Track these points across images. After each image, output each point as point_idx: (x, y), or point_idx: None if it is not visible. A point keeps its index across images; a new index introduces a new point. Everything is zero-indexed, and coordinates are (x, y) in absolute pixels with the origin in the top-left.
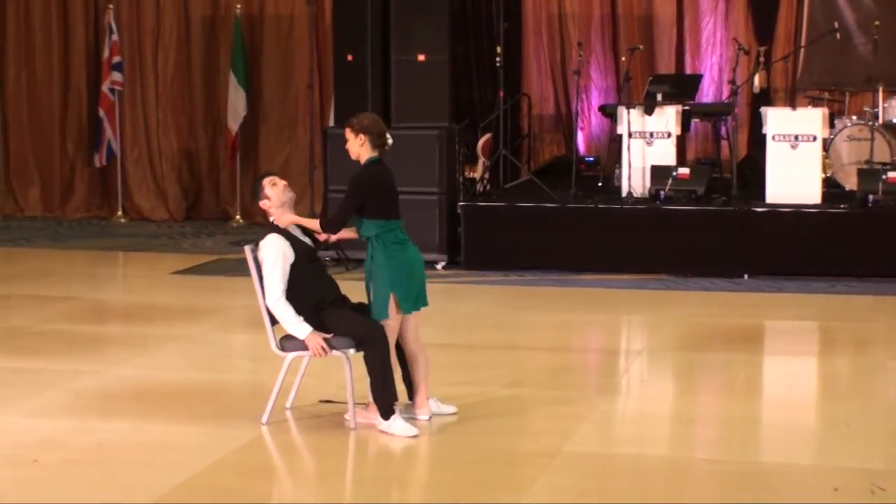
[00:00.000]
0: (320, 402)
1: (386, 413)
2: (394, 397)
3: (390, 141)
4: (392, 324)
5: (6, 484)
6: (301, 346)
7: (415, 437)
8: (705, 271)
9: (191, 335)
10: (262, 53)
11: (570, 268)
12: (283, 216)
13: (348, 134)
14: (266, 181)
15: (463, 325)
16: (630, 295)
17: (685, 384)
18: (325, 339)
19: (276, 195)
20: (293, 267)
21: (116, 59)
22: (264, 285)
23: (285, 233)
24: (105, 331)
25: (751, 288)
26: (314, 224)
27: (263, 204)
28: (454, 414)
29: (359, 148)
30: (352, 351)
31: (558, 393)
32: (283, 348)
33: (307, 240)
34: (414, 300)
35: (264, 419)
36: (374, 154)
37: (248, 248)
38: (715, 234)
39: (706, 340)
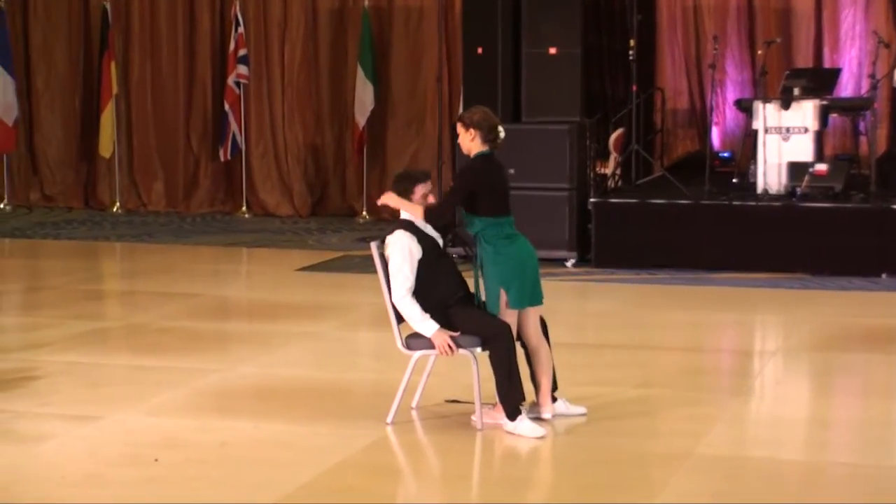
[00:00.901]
0: (446, 401)
1: (512, 413)
2: (520, 397)
3: (502, 135)
4: (508, 321)
5: (127, 483)
6: (427, 344)
7: (542, 437)
8: (843, 270)
9: (315, 333)
10: (391, 46)
11: (703, 266)
12: (388, 196)
13: (459, 128)
14: (419, 189)
15: (592, 324)
16: (765, 294)
17: (821, 386)
18: (452, 338)
19: (422, 200)
20: (421, 263)
21: (242, 51)
22: (391, 282)
23: (413, 228)
24: (228, 328)
25: (889, 287)
26: (418, 210)
27: (412, 198)
28: (583, 415)
29: (469, 142)
30: (479, 350)
31: (690, 394)
32: (409, 346)
33: (435, 235)
34: (528, 296)
35: (389, 419)
36: (485, 148)
37: (374, 245)
38: (853, 232)
39: (843, 341)
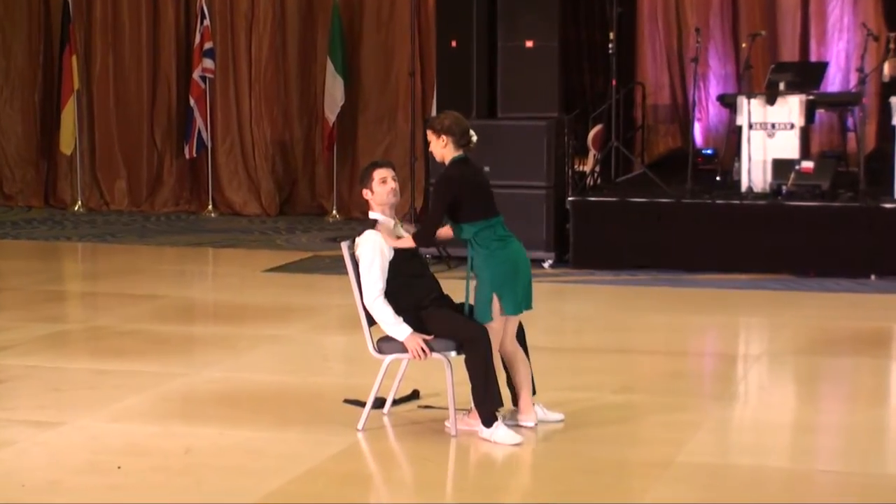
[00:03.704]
0: (419, 407)
1: (488, 420)
2: (497, 403)
3: (475, 139)
4: (496, 326)
5: (89, 491)
6: (400, 348)
7: (518, 444)
8: (830, 271)
9: (283, 336)
10: (362, 39)
11: (685, 267)
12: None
13: (430, 136)
14: (377, 173)
15: (571, 327)
16: (749, 296)
17: (807, 391)
18: (426, 342)
19: (381, 194)
20: (392, 264)
21: (208, 45)
22: (362, 284)
23: (384, 228)
24: (193, 331)
25: (878, 289)
26: (409, 243)
27: (366, 194)
28: (561, 421)
29: (442, 149)
30: (453, 354)
31: (672, 399)
32: (380, 350)
33: (406, 235)
34: (521, 302)
35: (360, 425)
36: (459, 153)
37: (344, 245)
38: (840, 231)
39: (830, 344)
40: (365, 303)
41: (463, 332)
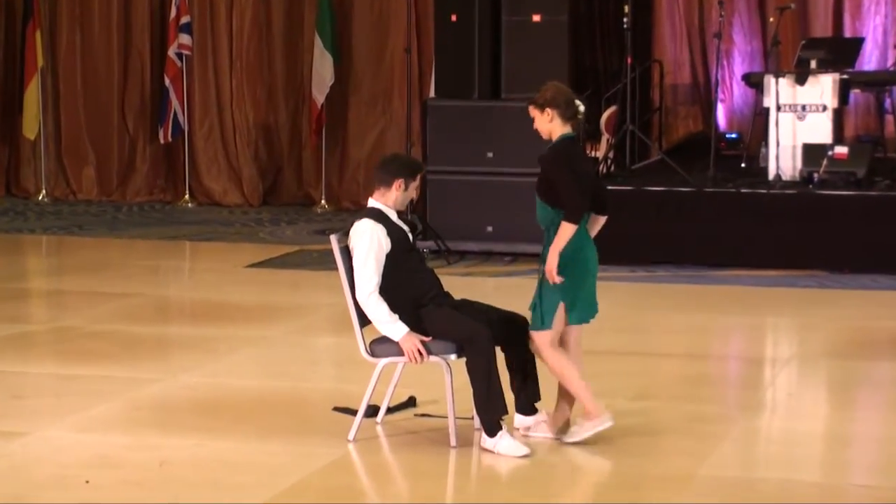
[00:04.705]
0: (416, 416)
1: (491, 429)
2: (500, 411)
3: (582, 109)
4: (553, 334)
5: None
6: (395, 350)
7: (525, 456)
8: (866, 267)
9: (267, 338)
10: (353, 13)
11: (707, 262)
12: (549, 258)
13: (533, 112)
14: (419, 179)
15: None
16: (777, 294)
17: (840, 398)
18: (423, 343)
19: (406, 197)
20: (389, 258)
21: (185, 19)
22: (355, 278)
23: (382, 217)
24: (169, 333)
25: None
26: (569, 231)
27: (399, 184)
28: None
29: (548, 125)
30: (453, 357)
31: (693, 407)
32: (373, 353)
33: (405, 226)
34: (586, 311)
35: (351, 435)
36: (568, 129)
37: (334, 238)
38: (877, 223)
39: (867, 347)
40: (358, 298)
41: (464, 333)
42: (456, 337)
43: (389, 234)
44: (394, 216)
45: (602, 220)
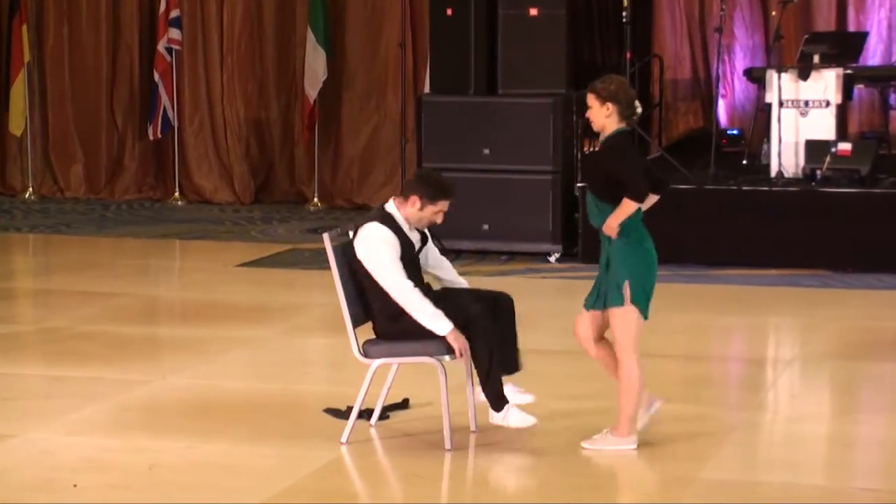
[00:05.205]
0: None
1: (497, 404)
2: (502, 377)
3: (639, 111)
4: (633, 315)
5: None
6: (387, 352)
7: (533, 426)
8: (870, 266)
9: (259, 338)
10: (346, 6)
11: (708, 261)
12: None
13: (592, 101)
14: (447, 204)
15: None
16: (779, 294)
17: (844, 400)
18: (427, 343)
19: (426, 218)
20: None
21: (174, 13)
22: (386, 280)
23: (393, 224)
24: (158, 333)
25: None
26: (631, 207)
27: (413, 202)
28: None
29: (605, 118)
30: (447, 358)
31: (693, 409)
32: (366, 354)
33: (416, 237)
34: (647, 298)
35: (344, 438)
36: (623, 125)
37: (327, 236)
38: (881, 221)
39: (871, 348)
40: (396, 292)
41: (461, 314)
42: (460, 321)
43: (400, 242)
44: (405, 226)
45: (655, 198)
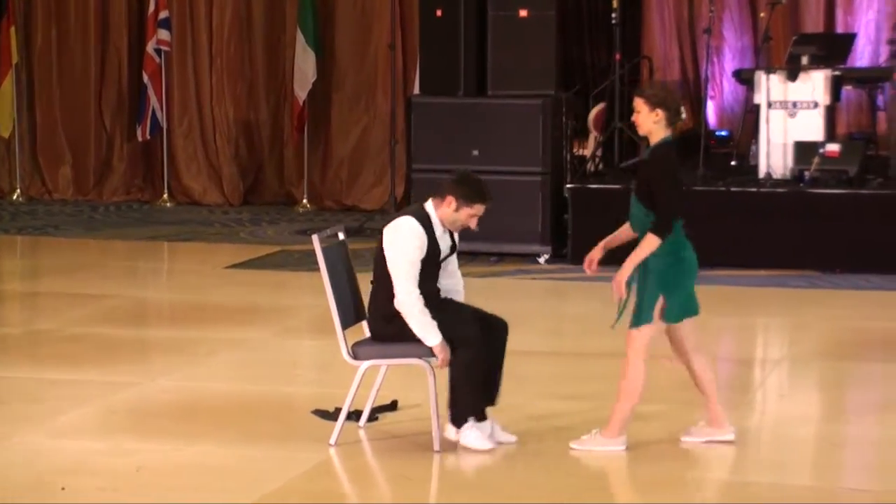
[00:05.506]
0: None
1: (458, 420)
2: (475, 408)
3: (683, 117)
4: (650, 332)
5: None
6: (377, 353)
7: (489, 451)
8: (858, 267)
9: (248, 340)
10: (336, 7)
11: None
12: (622, 269)
13: (641, 105)
14: (482, 208)
15: (571, 329)
16: (768, 294)
17: (832, 400)
18: (410, 346)
19: (460, 220)
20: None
21: (163, 14)
22: (397, 274)
23: (427, 224)
24: (147, 335)
25: None
26: (653, 244)
27: (448, 202)
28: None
29: (653, 124)
30: (435, 360)
31: (682, 410)
32: (355, 356)
33: (446, 244)
34: (681, 308)
35: (333, 440)
36: (668, 134)
37: (316, 238)
38: (869, 222)
39: (859, 348)
40: (399, 293)
41: (456, 333)
42: (451, 336)
43: (429, 245)
44: (438, 229)
45: None
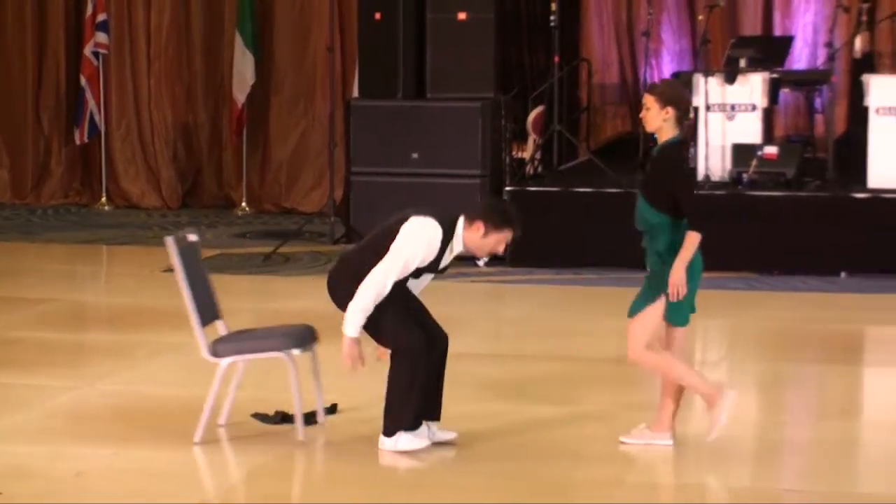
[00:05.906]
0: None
1: (389, 430)
2: (406, 423)
3: (691, 116)
4: (649, 336)
5: None
6: (236, 349)
7: (422, 448)
8: (795, 269)
9: (187, 344)
10: (275, 10)
11: (635, 265)
12: (675, 271)
13: (652, 103)
14: (511, 234)
15: (510, 332)
16: (706, 296)
17: (770, 401)
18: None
19: (487, 246)
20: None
21: (101, 16)
22: (387, 258)
23: (447, 238)
24: (85, 339)
25: (849, 288)
26: (696, 241)
27: (477, 227)
28: (453, 440)
29: (662, 122)
30: (296, 351)
31: (621, 413)
32: (215, 353)
33: (444, 263)
34: (686, 313)
35: (197, 438)
36: (677, 133)
37: (170, 240)
38: (807, 224)
39: (796, 350)
40: (372, 273)
41: (401, 340)
42: (395, 343)
43: (435, 257)
44: (456, 248)
45: None
